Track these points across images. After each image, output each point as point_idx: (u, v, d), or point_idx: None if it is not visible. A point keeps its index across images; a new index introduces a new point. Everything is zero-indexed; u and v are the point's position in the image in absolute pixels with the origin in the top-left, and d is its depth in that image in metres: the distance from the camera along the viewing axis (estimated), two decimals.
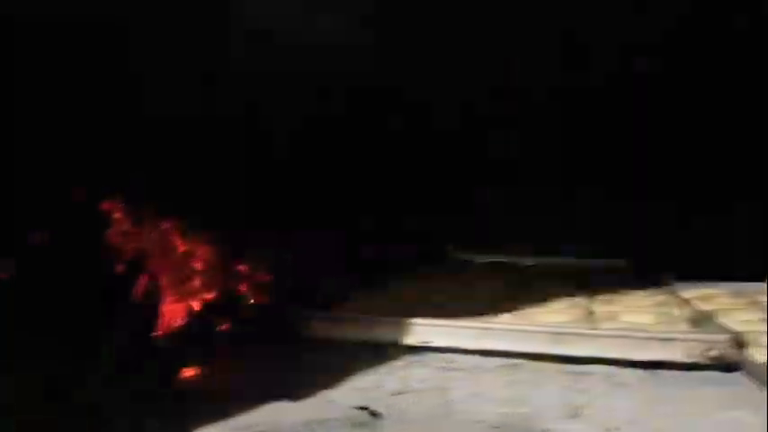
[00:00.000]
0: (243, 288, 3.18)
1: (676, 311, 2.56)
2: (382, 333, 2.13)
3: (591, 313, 2.58)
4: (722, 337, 1.95)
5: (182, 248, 3.26)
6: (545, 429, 1.63)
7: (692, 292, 3.10)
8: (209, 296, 2.68)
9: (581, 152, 4.05)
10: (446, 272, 3.59)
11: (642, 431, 1.66)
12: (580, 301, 2.78)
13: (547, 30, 3.68)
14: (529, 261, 4.19)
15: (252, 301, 2.74)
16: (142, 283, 2.14)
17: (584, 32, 3.69)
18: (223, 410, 1.62)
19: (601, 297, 2.87)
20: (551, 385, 1.95)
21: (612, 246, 4.26)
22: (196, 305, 2.46)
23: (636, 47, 3.70)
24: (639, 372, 2.09)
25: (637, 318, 2.48)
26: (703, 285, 3.22)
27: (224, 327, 2.35)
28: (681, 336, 1.99)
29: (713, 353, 1.91)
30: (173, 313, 2.30)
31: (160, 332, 2.11)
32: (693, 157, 3.93)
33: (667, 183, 4.07)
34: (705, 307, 2.74)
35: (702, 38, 3.65)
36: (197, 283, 2.82)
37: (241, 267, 3.42)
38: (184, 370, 1.89)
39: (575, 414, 1.75)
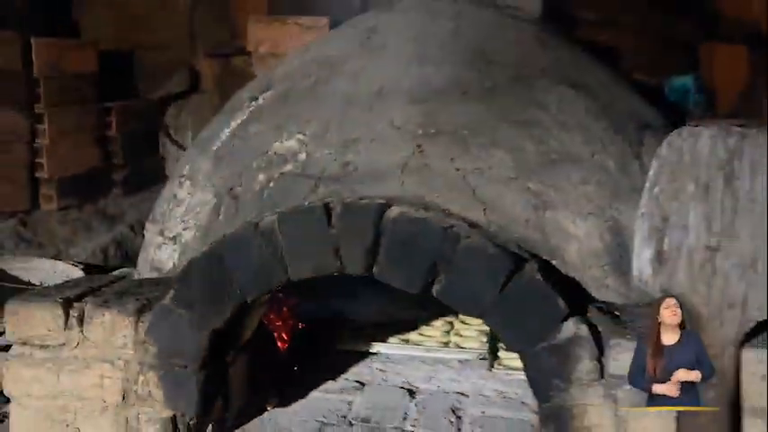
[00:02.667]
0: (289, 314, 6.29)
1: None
2: (365, 345, 5.50)
3: (451, 329, 5.96)
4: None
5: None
6: (414, 387, 5.04)
7: None
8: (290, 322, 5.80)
9: None
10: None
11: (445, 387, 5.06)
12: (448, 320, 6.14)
13: None
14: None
15: (300, 326, 5.92)
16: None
17: None
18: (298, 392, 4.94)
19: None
20: (421, 368, 5.33)
21: None
22: (293, 327, 5.51)
23: None
24: (463, 360, 5.49)
25: (467, 333, 5.89)
26: None
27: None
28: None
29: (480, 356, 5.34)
30: (280, 333, 5.38)
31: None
32: None
33: None
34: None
35: None
36: (285, 311, 5.80)
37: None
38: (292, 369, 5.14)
39: (428, 380, 5.16)
